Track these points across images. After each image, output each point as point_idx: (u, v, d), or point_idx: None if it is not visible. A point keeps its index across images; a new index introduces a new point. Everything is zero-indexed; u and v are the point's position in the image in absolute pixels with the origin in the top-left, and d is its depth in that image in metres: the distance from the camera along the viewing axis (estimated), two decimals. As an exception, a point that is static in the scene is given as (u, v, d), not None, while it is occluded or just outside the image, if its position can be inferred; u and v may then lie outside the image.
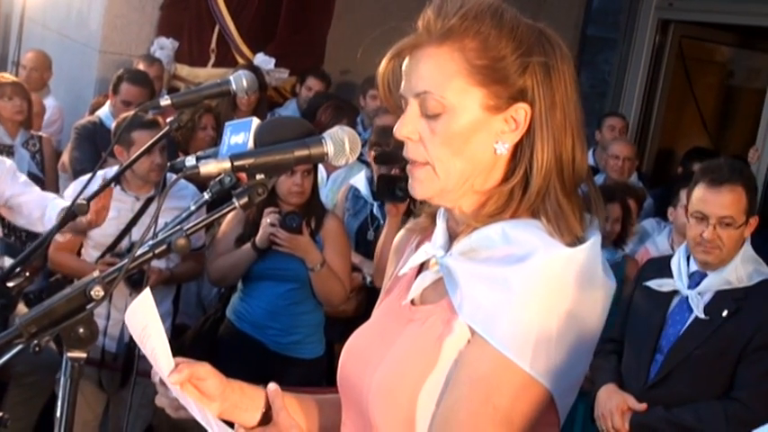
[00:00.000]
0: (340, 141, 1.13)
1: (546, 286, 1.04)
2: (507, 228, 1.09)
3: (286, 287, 3.09)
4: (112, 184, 2.89)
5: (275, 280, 3.08)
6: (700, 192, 2.49)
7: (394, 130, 1.14)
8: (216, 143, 3.12)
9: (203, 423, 1.16)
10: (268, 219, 2.98)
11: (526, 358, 1.03)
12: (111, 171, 3.08)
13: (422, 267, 1.20)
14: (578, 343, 1.06)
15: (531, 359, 1.03)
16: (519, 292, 1.04)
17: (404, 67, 1.13)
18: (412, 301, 1.18)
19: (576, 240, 1.09)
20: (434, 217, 1.22)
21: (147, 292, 1.12)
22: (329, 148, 1.13)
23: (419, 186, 1.13)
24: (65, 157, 4.29)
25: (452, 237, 1.16)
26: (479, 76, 1.09)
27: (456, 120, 1.09)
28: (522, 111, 1.10)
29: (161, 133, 1.79)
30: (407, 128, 1.12)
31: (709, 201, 2.46)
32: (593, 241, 1.08)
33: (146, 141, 2.91)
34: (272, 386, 1.23)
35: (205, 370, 1.21)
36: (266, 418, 1.24)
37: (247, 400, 1.24)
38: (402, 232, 1.30)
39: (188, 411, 1.18)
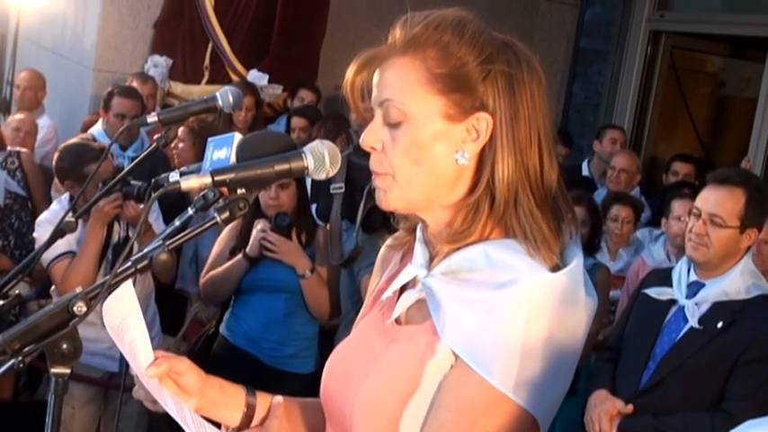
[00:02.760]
0: (320, 155, 1.14)
1: (529, 312, 1.04)
2: (489, 249, 1.09)
3: (279, 298, 3.10)
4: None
5: (268, 291, 3.09)
6: (703, 191, 2.54)
7: (360, 140, 1.14)
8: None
9: (179, 420, 1.16)
10: (259, 225, 3.01)
11: (510, 383, 1.03)
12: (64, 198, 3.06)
13: (406, 285, 1.20)
14: (560, 365, 1.06)
15: (514, 384, 1.03)
16: (503, 318, 1.04)
17: (374, 79, 1.13)
18: (397, 320, 1.18)
19: (557, 261, 1.08)
20: (413, 230, 1.21)
21: (128, 283, 1.12)
22: (309, 161, 1.13)
23: (383, 197, 1.13)
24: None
25: (431, 254, 1.15)
26: (439, 85, 1.09)
27: (416, 129, 1.09)
28: (483, 121, 1.09)
29: (147, 150, 1.80)
30: (371, 137, 1.12)
31: (706, 197, 2.51)
32: (576, 263, 1.08)
33: (99, 174, 2.87)
34: (279, 399, 1.25)
35: (184, 365, 1.21)
36: (247, 419, 1.24)
37: (226, 398, 1.25)
38: (383, 249, 1.30)
39: None
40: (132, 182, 2.95)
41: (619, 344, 2.74)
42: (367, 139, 1.12)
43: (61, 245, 3.01)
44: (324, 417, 1.25)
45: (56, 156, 3.14)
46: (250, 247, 3.03)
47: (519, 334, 1.03)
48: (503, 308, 1.04)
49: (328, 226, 3.62)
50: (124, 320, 1.15)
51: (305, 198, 3.18)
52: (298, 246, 3.05)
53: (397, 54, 1.10)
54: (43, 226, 3.04)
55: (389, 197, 1.12)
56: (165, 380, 1.20)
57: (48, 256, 3.03)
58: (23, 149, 4.22)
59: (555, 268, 1.07)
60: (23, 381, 3.83)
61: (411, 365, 1.10)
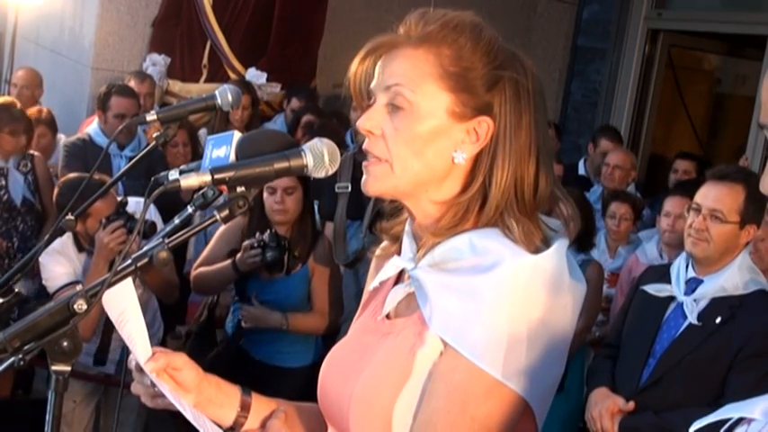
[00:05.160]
0: (319, 153, 1.14)
1: (514, 294, 1.05)
2: (474, 238, 1.10)
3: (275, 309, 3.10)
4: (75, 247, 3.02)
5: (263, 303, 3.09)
6: (702, 187, 2.55)
7: (357, 122, 1.15)
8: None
9: (180, 408, 1.17)
10: (248, 244, 2.96)
11: (498, 367, 1.04)
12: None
13: (397, 281, 1.21)
14: (550, 348, 1.07)
15: (503, 368, 1.04)
16: (488, 302, 1.05)
17: (377, 66, 1.14)
18: (387, 315, 1.19)
19: (541, 246, 1.10)
20: (398, 238, 1.22)
21: (128, 281, 1.13)
22: (308, 159, 1.13)
23: (373, 182, 1.14)
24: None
25: (418, 247, 1.16)
26: (450, 82, 1.10)
27: (421, 120, 1.11)
28: (485, 124, 1.11)
29: (149, 147, 1.80)
30: (371, 121, 1.13)
31: (706, 193, 2.52)
32: (558, 246, 1.09)
33: (101, 209, 2.92)
34: (282, 409, 1.26)
35: (182, 360, 1.22)
36: (240, 418, 1.25)
37: (222, 395, 1.25)
38: (374, 260, 1.31)
39: (164, 401, 1.20)
40: (137, 217, 2.93)
41: (618, 341, 2.74)
42: (366, 123, 1.13)
43: (66, 274, 3.03)
44: (321, 421, 1.25)
45: (56, 191, 3.15)
46: (241, 262, 2.98)
47: (504, 317, 1.04)
48: (487, 292, 1.05)
49: (330, 226, 3.64)
50: (123, 314, 1.17)
51: (310, 205, 3.16)
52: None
53: (410, 45, 1.12)
54: (51, 254, 3.03)
55: (379, 183, 1.13)
56: (163, 375, 1.21)
57: (53, 284, 3.04)
58: (37, 153, 4.22)
59: (537, 252, 1.09)
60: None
61: (402, 356, 1.11)
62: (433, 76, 1.10)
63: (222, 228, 3.17)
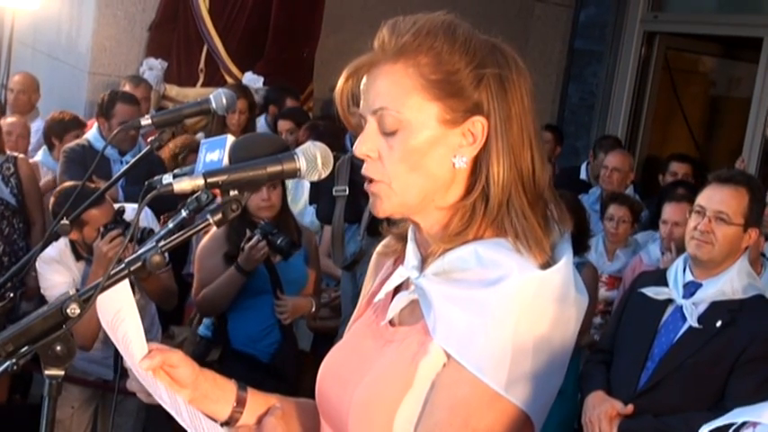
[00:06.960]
0: (312, 157, 1.14)
1: (520, 309, 1.04)
2: (480, 249, 1.09)
3: (266, 301, 3.11)
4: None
5: (253, 296, 3.09)
6: (705, 190, 2.56)
7: (353, 148, 1.14)
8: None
9: (172, 412, 1.17)
10: (260, 253, 2.95)
11: (501, 381, 1.04)
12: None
13: (399, 287, 1.20)
14: (552, 361, 1.07)
15: (506, 382, 1.04)
16: (493, 316, 1.04)
17: (361, 86, 1.13)
18: (390, 322, 1.18)
19: (548, 259, 1.09)
20: (403, 237, 1.21)
21: (125, 282, 1.13)
22: (301, 163, 1.13)
23: (379, 204, 1.13)
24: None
25: (424, 256, 1.16)
26: (435, 91, 1.09)
27: (413, 135, 1.10)
28: (478, 124, 1.10)
29: (144, 151, 1.80)
30: (366, 146, 1.12)
31: (710, 195, 2.52)
32: (566, 261, 1.09)
33: (98, 217, 2.92)
34: (278, 405, 1.25)
35: (178, 357, 1.22)
36: (236, 413, 1.25)
37: (218, 391, 1.25)
38: (375, 256, 1.30)
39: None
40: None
41: (610, 346, 2.73)
42: (362, 148, 1.12)
43: (65, 283, 3.01)
44: (318, 419, 1.25)
45: (51, 199, 3.12)
46: (246, 262, 2.97)
47: (510, 331, 1.04)
48: (493, 306, 1.04)
49: (328, 229, 3.66)
50: (118, 313, 1.16)
51: (284, 199, 3.18)
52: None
53: (388, 60, 1.10)
54: (49, 263, 3.02)
55: (385, 204, 1.13)
56: (159, 372, 1.21)
57: (52, 293, 3.03)
58: (20, 155, 4.18)
59: (545, 265, 1.08)
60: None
61: (404, 365, 1.11)
62: (417, 89, 1.09)
63: (200, 246, 3.16)
